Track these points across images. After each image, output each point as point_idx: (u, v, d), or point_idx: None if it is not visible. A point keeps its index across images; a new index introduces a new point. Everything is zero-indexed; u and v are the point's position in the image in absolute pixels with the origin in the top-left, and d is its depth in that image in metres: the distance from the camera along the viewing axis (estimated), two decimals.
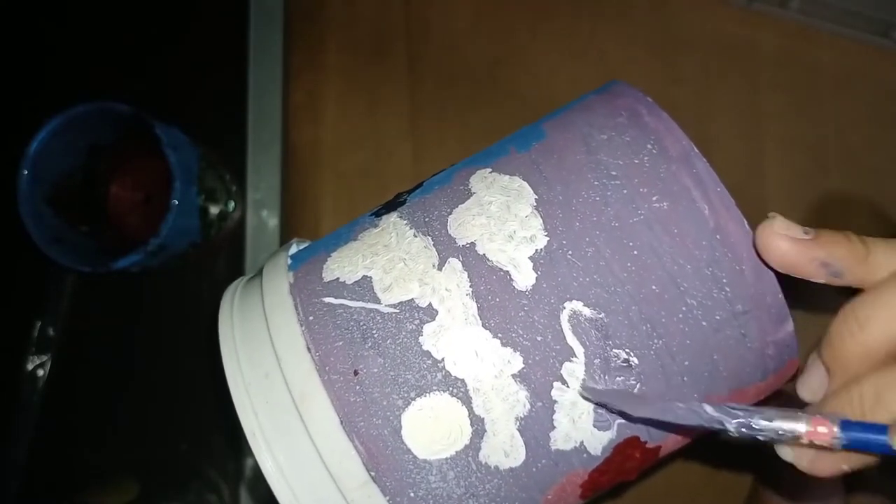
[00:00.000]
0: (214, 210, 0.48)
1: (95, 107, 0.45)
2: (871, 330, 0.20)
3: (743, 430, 0.20)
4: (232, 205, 0.50)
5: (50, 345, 0.52)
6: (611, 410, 0.23)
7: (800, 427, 0.19)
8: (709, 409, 0.20)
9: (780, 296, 0.23)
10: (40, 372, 0.52)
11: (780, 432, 0.19)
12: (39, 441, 0.51)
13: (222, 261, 0.52)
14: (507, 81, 0.52)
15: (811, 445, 0.19)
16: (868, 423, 0.19)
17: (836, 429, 0.19)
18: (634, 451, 0.24)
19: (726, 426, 0.20)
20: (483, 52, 0.53)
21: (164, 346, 0.53)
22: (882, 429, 0.18)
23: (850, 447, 0.19)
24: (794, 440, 0.19)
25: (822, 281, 0.22)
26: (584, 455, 0.23)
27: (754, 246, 0.22)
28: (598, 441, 0.23)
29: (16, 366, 0.51)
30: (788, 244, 0.21)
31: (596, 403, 0.23)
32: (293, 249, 0.28)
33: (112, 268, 0.43)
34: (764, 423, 0.19)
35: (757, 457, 0.44)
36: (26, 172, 0.44)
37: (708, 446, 0.29)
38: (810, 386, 0.22)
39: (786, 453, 0.21)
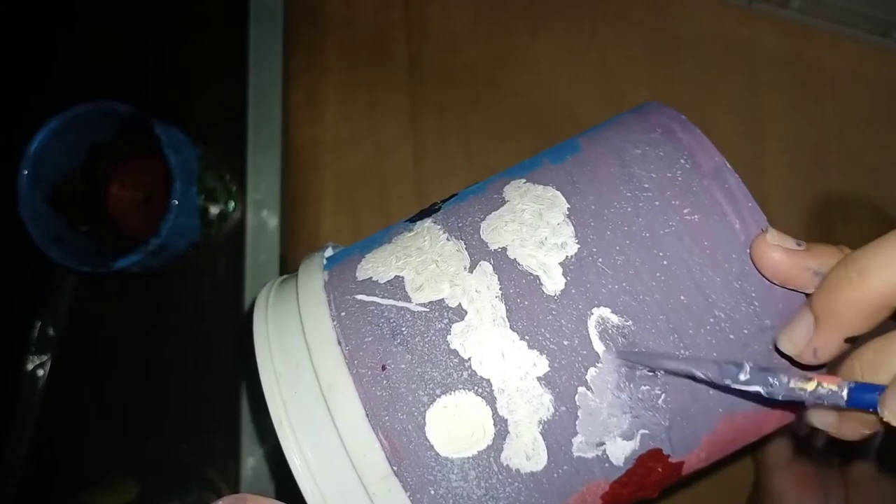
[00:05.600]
0: (214, 210, 0.48)
1: (95, 107, 0.45)
2: (870, 279, 0.20)
3: (755, 386, 0.20)
4: (232, 205, 0.51)
5: (50, 345, 0.52)
6: (637, 365, 0.23)
7: (810, 385, 0.20)
8: (722, 366, 0.21)
9: None
10: (40, 372, 0.52)
11: (791, 386, 0.20)
12: (39, 441, 0.51)
13: (222, 261, 0.52)
14: (507, 81, 0.52)
15: (824, 406, 0.20)
16: (866, 384, 0.19)
17: (840, 386, 0.19)
18: (657, 465, 0.24)
19: (739, 379, 0.20)
20: (483, 52, 0.53)
21: (164, 346, 0.53)
22: (880, 388, 0.19)
23: (852, 405, 0.19)
24: (804, 398, 0.20)
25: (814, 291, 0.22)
26: (606, 465, 0.23)
27: (751, 257, 0.22)
28: (621, 451, 0.23)
29: (16, 366, 0.51)
30: (781, 254, 0.22)
31: (623, 360, 0.23)
32: (329, 252, 0.28)
33: (112, 268, 0.43)
34: (776, 381, 0.20)
35: (759, 456, 0.44)
36: (26, 172, 0.44)
37: None
38: (793, 337, 0.22)
39: (813, 419, 0.22)
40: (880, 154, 0.49)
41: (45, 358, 0.52)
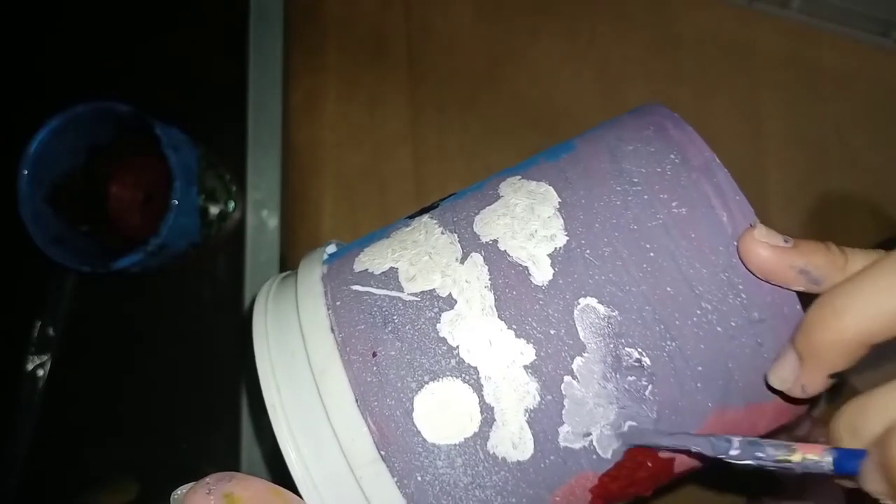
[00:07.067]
0: (214, 210, 0.48)
1: (95, 107, 0.45)
2: (846, 319, 0.20)
3: (746, 460, 0.21)
4: (232, 205, 0.51)
5: (50, 345, 0.52)
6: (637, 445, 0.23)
7: (795, 456, 0.20)
8: (713, 441, 0.21)
9: (798, 307, 0.23)
10: (40, 372, 0.52)
11: (778, 458, 0.20)
12: (39, 441, 0.51)
13: (222, 261, 0.52)
14: (507, 81, 0.52)
15: (810, 475, 0.21)
16: (848, 451, 0.19)
17: (822, 456, 0.20)
18: (646, 459, 0.24)
19: (730, 454, 0.21)
20: (483, 52, 0.53)
21: (163, 346, 0.53)
22: (860, 455, 0.19)
23: (838, 472, 0.20)
24: (794, 468, 0.20)
25: (801, 289, 0.22)
26: (594, 456, 0.23)
27: (738, 252, 0.23)
28: (609, 443, 0.23)
29: (16, 366, 0.51)
30: (768, 251, 0.22)
31: (626, 444, 0.23)
32: (331, 249, 0.29)
33: (112, 268, 0.43)
34: (764, 454, 0.20)
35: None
36: (26, 172, 0.44)
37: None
38: (781, 375, 0.22)
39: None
40: (880, 154, 0.49)
41: (45, 358, 0.52)
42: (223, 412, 0.50)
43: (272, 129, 0.51)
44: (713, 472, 0.25)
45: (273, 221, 0.51)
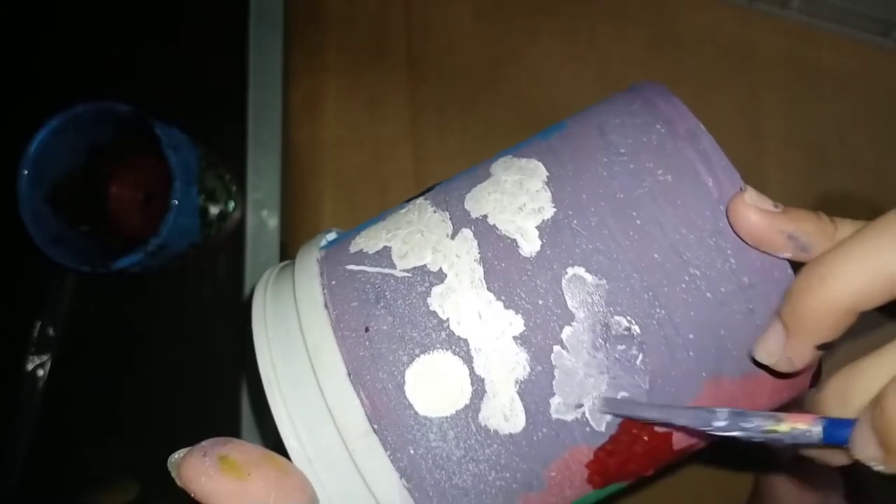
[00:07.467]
0: (214, 210, 0.48)
1: (95, 107, 0.45)
2: (831, 286, 0.20)
3: (732, 431, 0.20)
4: (232, 205, 0.51)
5: (50, 345, 0.52)
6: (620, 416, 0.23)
7: (783, 427, 0.20)
8: (697, 413, 0.21)
9: (790, 271, 0.23)
10: (40, 372, 0.52)
11: (765, 429, 0.20)
12: (39, 441, 0.51)
13: (222, 261, 0.52)
14: (507, 81, 0.52)
15: (798, 447, 0.20)
16: (838, 420, 0.19)
17: (812, 425, 0.19)
18: (642, 433, 0.24)
19: (714, 425, 0.21)
20: (483, 52, 0.53)
21: (163, 346, 0.53)
22: (851, 423, 0.19)
23: (827, 442, 0.19)
24: (783, 439, 0.20)
25: (789, 255, 0.22)
26: (587, 429, 0.23)
27: (727, 216, 0.22)
28: (602, 415, 0.23)
29: (16, 366, 0.52)
30: (758, 215, 0.22)
31: (610, 414, 0.23)
32: (331, 235, 0.30)
33: (112, 268, 0.43)
34: (750, 425, 0.20)
35: (759, 456, 0.44)
36: (26, 172, 0.44)
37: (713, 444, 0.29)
38: (767, 347, 0.22)
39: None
40: (880, 154, 0.49)
41: (45, 358, 0.52)
42: (223, 412, 0.50)
43: (272, 129, 0.51)
44: (716, 453, 0.25)
45: (273, 221, 0.51)
